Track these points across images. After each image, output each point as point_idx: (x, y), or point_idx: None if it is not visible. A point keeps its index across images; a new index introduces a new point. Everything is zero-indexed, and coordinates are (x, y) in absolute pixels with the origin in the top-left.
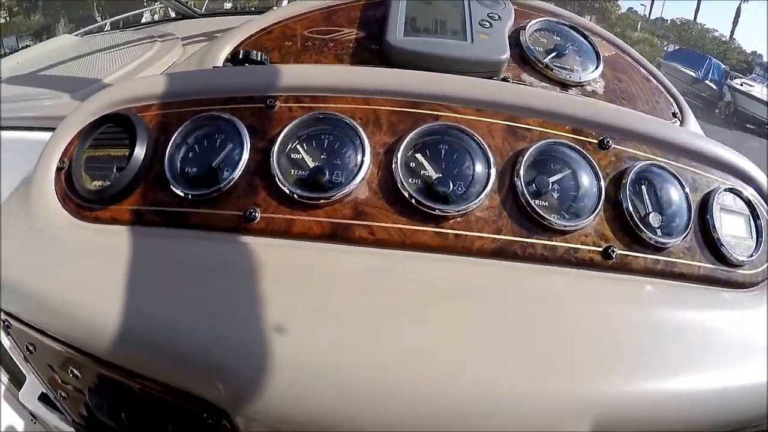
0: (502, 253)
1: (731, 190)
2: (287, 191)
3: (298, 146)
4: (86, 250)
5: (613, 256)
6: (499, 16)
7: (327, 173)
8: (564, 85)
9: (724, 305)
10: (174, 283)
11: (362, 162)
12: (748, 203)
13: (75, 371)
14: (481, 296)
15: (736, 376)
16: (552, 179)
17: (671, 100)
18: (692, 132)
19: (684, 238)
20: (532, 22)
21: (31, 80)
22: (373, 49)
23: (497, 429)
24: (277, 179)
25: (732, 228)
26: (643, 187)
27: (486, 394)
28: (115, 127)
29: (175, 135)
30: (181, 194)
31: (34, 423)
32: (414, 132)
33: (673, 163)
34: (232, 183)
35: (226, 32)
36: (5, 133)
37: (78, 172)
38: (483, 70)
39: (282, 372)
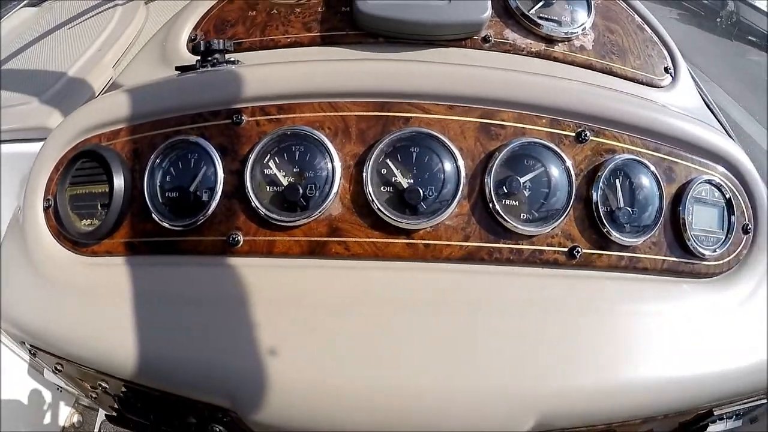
0: (469, 258)
1: (709, 182)
2: (264, 215)
3: (270, 162)
4: (89, 285)
5: (577, 256)
6: None
7: (301, 189)
8: (550, 41)
9: (681, 296)
10: (173, 314)
11: (333, 178)
12: (725, 195)
13: (102, 384)
14: (443, 305)
15: (680, 365)
16: (523, 179)
17: (665, 52)
18: (678, 114)
19: (652, 233)
20: None
21: None
22: (344, 12)
23: (459, 427)
24: (252, 202)
25: (703, 220)
26: (617, 181)
27: (447, 397)
28: (90, 161)
29: (149, 164)
30: (165, 225)
31: (60, 392)
32: (383, 143)
33: (653, 153)
34: (211, 210)
35: (185, 6)
36: None
37: (65, 213)
38: (461, 32)
39: (277, 389)
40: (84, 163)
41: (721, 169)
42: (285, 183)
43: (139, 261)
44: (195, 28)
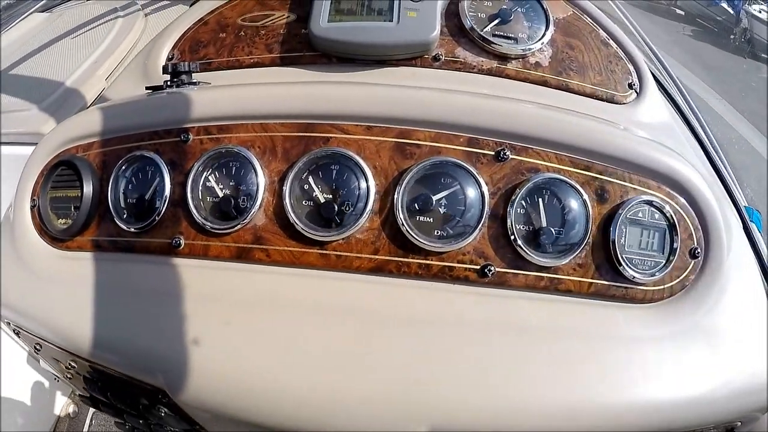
0: (378, 270)
1: (648, 202)
2: (201, 222)
3: (210, 176)
4: (61, 275)
5: (489, 274)
6: None
7: (233, 201)
8: (504, 59)
9: (609, 320)
10: (125, 304)
11: (257, 192)
12: (667, 217)
13: (72, 363)
14: (349, 313)
15: (599, 389)
16: (437, 197)
17: (631, 68)
18: (620, 131)
19: (576, 255)
20: None
21: (5, 82)
22: (303, 34)
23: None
24: (192, 211)
25: (641, 243)
26: (540, 200)
27: (336, 397)
28: (68, 169)
29: (113, 174)
30: (124, 227)
31: (57, 381)
32: (301, 162)
33: (582, 171)
34: (160, 216)
35: (167, 26)
36: None
37: (46, 213)
38: (410, 52)
39: (197, 372)
40: (63, 170)
41: (666, 189)
42: (221, 195)
43: (102, 257)
44: (173, 47)
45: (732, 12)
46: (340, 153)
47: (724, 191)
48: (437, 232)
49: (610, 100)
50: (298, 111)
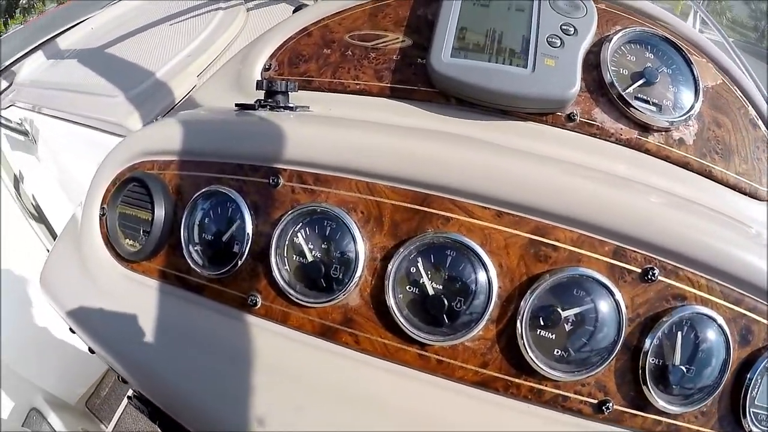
0: (483, 385)
1: None
2: (282, 286)
3: (299, 233)
4: (126, 298)
5: (606, 412)
6: (575, 29)
7: (324, 268)
8: (645, 129)
9: None
10: (187, 350)
11: (355, 268)
12: None
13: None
14: (446, 426)
15: None
16: (566, 314)
17: None
18: None
19: (704, 403)
20: (621, 32)
21: (93, 60)
22: (418, 65)
23: None
24: (274, 271)
25: None
26: (679, 333)
27: None
28: (140, 187)
29: (189, 204)
30: (196, 267)
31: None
32: (413, 245)
33: (732, 306)
34: (237, 266)
35: (267, 31)
36: (67, 126)
37: (113, 228)
38: (543, 107)
39: None
40: (135, 186)
41: None
42: (310, 258)
43: (168, 290)
44: (271, 56)
45: None
46: (461, 242)
47: None
48: (557, 351)
49: (753, 195)
50: (415, 176)
